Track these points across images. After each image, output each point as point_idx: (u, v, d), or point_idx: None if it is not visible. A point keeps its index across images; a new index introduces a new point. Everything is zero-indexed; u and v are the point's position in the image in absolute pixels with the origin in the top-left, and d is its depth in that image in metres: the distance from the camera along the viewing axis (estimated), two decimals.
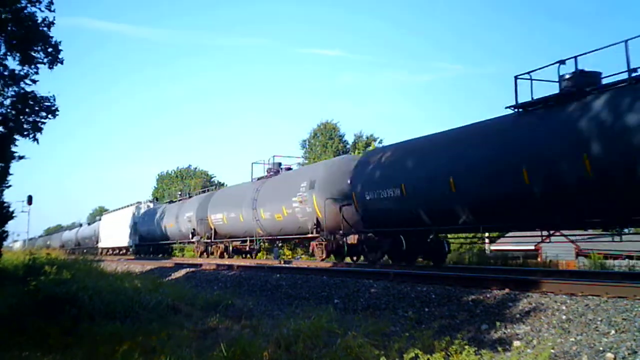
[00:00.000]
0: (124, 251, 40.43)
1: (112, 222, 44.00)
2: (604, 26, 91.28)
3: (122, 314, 8.28)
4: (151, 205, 39.52)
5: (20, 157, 11.25)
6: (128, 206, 41.51)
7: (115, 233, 41.88)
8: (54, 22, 10.64)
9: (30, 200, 34.66)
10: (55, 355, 6.25)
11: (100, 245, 45.56)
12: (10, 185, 11.94)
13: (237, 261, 21.11)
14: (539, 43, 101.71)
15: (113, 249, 43.04)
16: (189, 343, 6.60)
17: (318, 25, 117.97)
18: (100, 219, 50.66)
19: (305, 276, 11.42)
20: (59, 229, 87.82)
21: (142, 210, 38.11)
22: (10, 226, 12.25)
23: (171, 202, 34.73)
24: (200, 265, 17.84)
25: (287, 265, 16.02)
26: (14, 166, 11.46)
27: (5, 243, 13.02)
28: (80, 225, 62.09)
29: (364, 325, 6.67)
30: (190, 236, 27.56)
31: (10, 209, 12.30)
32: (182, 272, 16.32)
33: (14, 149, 11.01)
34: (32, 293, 8.78)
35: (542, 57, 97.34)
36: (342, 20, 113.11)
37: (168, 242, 32.33)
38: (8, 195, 12.79)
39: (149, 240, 35.19)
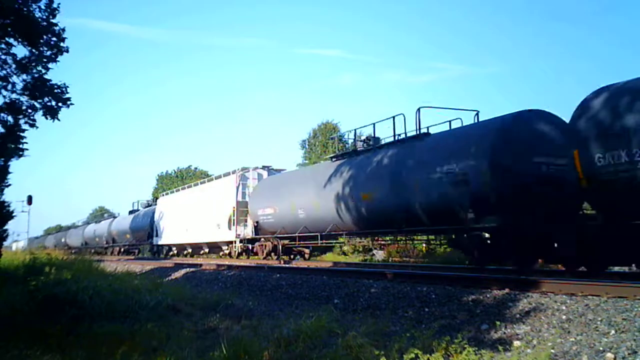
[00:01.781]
0: (208, 250, 25.87)
1: (185, 205, 27.50)
2: (603, 26, 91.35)
3: (122, 314, 8.29)
4: (264, 174, 22.81)
5: (20, 155, 11.20)
6: (220, 177, 24.87)
7: (194, 222, 25.84)
8: (58, 9, 10.50)
9: (30, 200, 34.73)
10: (55, 355, 6.24)
11: (161, 241, 30.39)
12: (10, 184, 11.90)
13: (241, 261, 20.77)
14: (539, 43, 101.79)
15: (192, 247, 27.43)
16: (189, 343, 6.60)
17: (318, 25, 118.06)
18: (154, 203, 34.26)
19: (305, 276, 11.44)
20: (70, 225, 68.62)
21: (252, 182, 22.32)
22: (10, 226, 12.19)
23: (343, 155, 17.13)
24: (200, 265, 17.85)
25: (287, 266, 16.02)
26: (14, 165, 11.41)
27: (5, 243, 12.99)
28: (114, 216, 45.36)
29: (364, 325, 6.68)
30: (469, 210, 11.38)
31: (10, 209, 12.27)
32: (182, 272, 16.33)
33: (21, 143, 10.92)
34: (32, 293, 8.78)
35: (542, 57, 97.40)
36: (342, 20, 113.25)
37: (347, 233, 16.21)
38: (8, 195, 12.72)
39: (280, 230, 19.09)
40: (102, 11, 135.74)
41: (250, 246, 21.82)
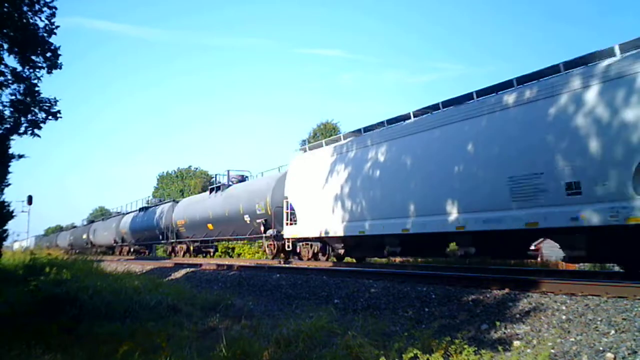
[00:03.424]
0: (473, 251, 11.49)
1: (399, 159, 13.23)
2: (603, 26, 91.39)
3: (122, 314, 8.30)
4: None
5: (20, 156, 11.25)
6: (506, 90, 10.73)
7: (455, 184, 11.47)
8: (56, 30, 10.60)
9: (30, 200, 34.68)
10: (55, 354, 6.25)
11: (303, 232, 17.02)
12: (9, 184, 11.95)
13: (237, 261, 21.03)
14: (538, 43, 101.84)
15: (422, 242, 12.82)
16: (189, 343, 6.60)
17: (318, 25, 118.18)
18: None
19: (305, 276, 11.44)
20: (106, 214, 56.83)
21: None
22: (10, 226, 12.26)
23: None
24: (200, 265, 17.86)
25: (287, 265, 16.03)
26: (14, 165, 11.46)
27: (6, 243, 13.03)
28: (174, 200, 31.41)
29: (363, 325, 6.68)
30: None
31: (10, 209, 12.31)
32: (182, 272, 16.32)
33: (11, 150, 10.98)
34: (33, 293, 8.80)
35: (542, 57, 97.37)
36: (342, 20, 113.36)
37: None
38: (8, 195, 12.78)
39: None
40: (101, 11, 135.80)
41: None
